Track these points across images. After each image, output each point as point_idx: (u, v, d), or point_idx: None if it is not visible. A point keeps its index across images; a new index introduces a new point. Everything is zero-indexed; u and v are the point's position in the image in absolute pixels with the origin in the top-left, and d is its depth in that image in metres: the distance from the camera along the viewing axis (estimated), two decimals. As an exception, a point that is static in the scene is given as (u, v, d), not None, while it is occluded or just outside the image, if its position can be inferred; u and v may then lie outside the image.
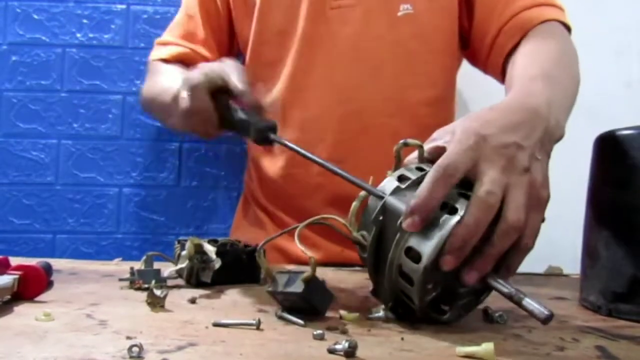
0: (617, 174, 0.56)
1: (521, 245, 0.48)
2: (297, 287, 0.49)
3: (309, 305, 0.49)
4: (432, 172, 0.47)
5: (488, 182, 0.46)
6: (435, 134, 0.53)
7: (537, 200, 0.49)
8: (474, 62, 0.94)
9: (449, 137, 0.50)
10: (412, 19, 0.87)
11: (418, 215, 0.45)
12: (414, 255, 0.47)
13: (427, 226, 0.46)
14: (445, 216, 0.46)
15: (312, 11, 0.87)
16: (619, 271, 0.55)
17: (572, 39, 0.81)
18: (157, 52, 1.04)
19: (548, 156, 0.53)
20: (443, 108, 0.92)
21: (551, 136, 0.54)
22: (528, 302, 0.44)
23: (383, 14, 0.87)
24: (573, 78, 0.72)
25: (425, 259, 0.45)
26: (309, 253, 0.48)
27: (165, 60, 1.00)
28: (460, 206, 0.47)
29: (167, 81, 0.88)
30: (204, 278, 0.63)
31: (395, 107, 0.88)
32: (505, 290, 0.46)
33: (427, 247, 0.46)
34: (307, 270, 0.49)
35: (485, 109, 0.54)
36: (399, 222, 0.47)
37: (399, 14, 0.87)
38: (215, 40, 1.01)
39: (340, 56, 0.88)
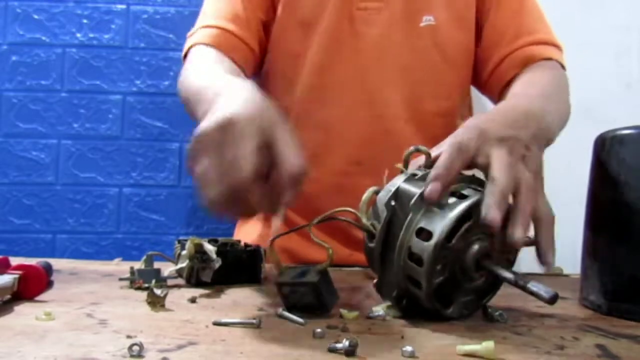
0: (617, 173, 0.56)
1: (544, 216, 0.51)
2: (311, 277, 0.49)
3: (318, 298, 0.49)
4: (447, 148, 0.50)
5: (505, 157, 0.50)
6: (444, 142, 0.55)
7: (535, 189, 0.51)
8: (473, 81, 0.97)
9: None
10: (433, 30, 0.88)
11: (440, 182, 0.48)
12: (424, 236, 0.48)
13: (438, 210, 0.48)
14: (455, 200, 0.49)
15: (338, 8, 0.88)
16: (619, 270, 0.55)
17: (565, 73, 0.86)
18: (199, 36, 0.89)
19: (541, 150, 0.56)
20: (455, 120, 0.93)
21: (544, 133, 0.57)
22: (533, 284, 0.46)
23: (406, 22, 0.88)
24: (566, 105, 0.78)
25: (436, 236, 0.47)
26: (326, 245, 0.49)
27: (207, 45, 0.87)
28: (470, 193, 0.49)
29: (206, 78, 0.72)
30: (204, 278, 0.63)
31: (411, 114, 0.88)
32: (510, 276, 0.47)
33: (438, 226, 0.47)
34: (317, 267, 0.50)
35: (482, 112, 0.57)
36: (411, 202, 0.49)
37: (422, 24, 0.88)
38: (255, 23, 0.90)
39: (365, 57, 0.88)
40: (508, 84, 0.86)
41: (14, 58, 1.17)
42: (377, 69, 0.88)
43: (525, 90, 0.76)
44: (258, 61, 0.93)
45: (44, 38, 1.17)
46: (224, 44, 0.87)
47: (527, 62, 0.85)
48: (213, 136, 0.48)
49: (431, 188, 0.48)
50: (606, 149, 0.58)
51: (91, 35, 1.18)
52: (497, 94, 0.89)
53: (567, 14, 1.27)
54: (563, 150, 1.24)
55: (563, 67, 0.87)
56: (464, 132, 0.52)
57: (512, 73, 0.86)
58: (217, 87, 0.60)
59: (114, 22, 1.19)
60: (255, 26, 0.90)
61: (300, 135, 0.90)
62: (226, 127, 0.48)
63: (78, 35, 1.18)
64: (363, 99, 0.88)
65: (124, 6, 1.19)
